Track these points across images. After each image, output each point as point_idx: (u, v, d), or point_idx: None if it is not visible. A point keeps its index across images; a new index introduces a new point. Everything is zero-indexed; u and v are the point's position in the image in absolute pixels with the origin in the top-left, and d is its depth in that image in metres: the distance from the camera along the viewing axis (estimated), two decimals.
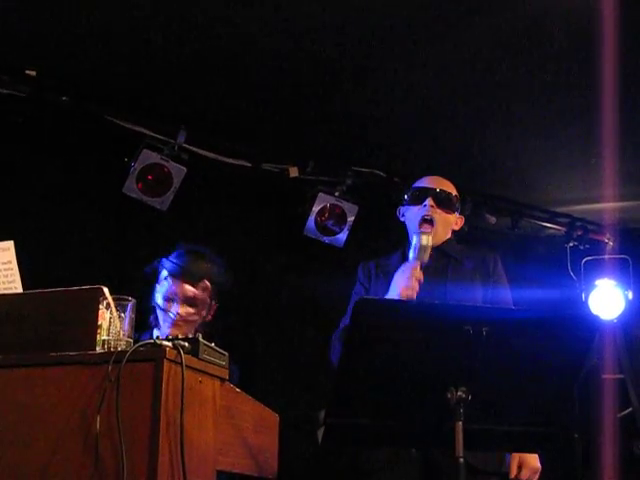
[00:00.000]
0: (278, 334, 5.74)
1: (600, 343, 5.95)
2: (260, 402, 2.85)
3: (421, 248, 3.63)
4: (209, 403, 2.54)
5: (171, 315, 3.79)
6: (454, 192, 3.88)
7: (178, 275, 3.84)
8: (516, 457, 3.68)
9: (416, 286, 3.55)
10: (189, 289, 3.83)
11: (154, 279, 3.91)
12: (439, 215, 3.79)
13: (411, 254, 3.64)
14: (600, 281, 6.42)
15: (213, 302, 3.94)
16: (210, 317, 3.94)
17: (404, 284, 3.55)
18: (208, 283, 3.87)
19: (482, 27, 4.35)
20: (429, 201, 3.77)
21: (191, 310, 3.83)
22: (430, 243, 3.65)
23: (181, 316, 3.80)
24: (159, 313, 3.85)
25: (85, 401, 2.37)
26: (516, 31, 4.36)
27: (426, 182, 3.90)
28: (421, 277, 3.58)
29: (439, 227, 3.79)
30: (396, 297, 3.53)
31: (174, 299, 3.84)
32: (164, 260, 3.88)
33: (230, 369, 2.69)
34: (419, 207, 3.79)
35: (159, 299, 3.86)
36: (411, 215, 3.82)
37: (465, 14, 4.25)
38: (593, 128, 4.96)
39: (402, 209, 3.93)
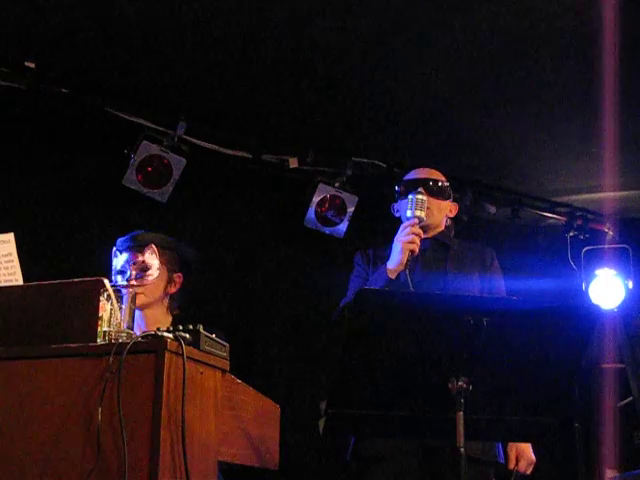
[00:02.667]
0: (278, 324, 5.75)
1: (600, 333, 5.96)
2: (261, 393, 2.86)
3: (417, 202, 3.67)
4: (210, 394, 2.55)
5: (124, 282, 3.78)
6: (443, 180, 3.92)
7: (125, 247, 3.85)
8: (513, 448, 3.70)
9: (417, 240, 3.58)
10: (137, 255, 3.83)
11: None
12: (432, 202, 3.80)
13: (408, 212, 3.67)
14: (600, 270, 6.43)
15: (174, 273, 3.92)
16: (174, 289, 3.92)
17: (405, 239, 3.58)
18: (155, 248, 3.87)
19: (484, 18, 4.34)
20: (421, 190, 3.78)
21: (141, 273, 3.82)
22: (426, 200, 3.69)
23: (134, 279, 3.78)
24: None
25: (86, 393, 2.38)
26: (517, 23, 4.36)
27: (415, 174, 3.94)
28: (421, 232, 3.61)
29: (434, 211, 3.82)
30: (398, 253, 3.57)
31: (125, 269, 3.82)
32: (115, 242, 3.90)
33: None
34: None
35: (115, 277, 3.85)
36: (403, 207, 3.83)
37: (467, 5, 4.24)
38: (593, 118, 4.97)
39: (395, 205, 3.95)
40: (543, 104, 5.19)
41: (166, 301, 3.90)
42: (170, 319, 3.80)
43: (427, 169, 3.95)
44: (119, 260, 3.85)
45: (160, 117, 5.31)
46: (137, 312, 3.84)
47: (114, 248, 3.88)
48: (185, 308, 3.96)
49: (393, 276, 3.57)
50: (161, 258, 3.87)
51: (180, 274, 3.95)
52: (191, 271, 4.00)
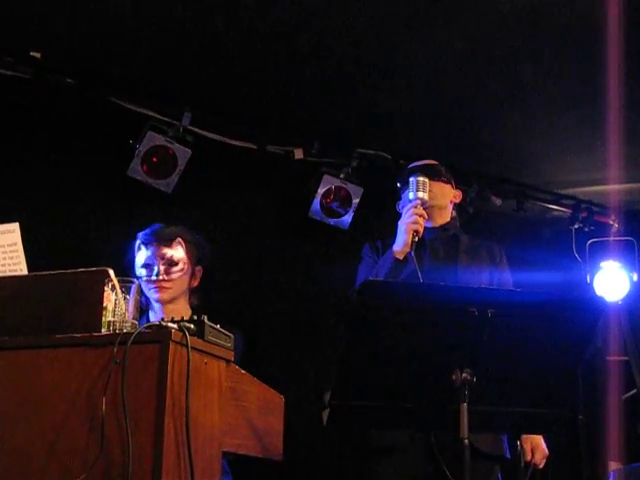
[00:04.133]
0: (283, 316, 5.75)
1: (605, 325, 5.96)
2: (265, 384, 2.86)
3: (418, 183, 3.67)
4: (214, 385, 2.55)
5: (154, 277, 3.79)
6: (439, 164, 3.94)
7: (151, 240, 3.86)
8: (528, 441, 3.69)
9: (421, 221, 3.58)
10: (165, 249, 3.84)
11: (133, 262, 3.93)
12: (434, 185, 3.80)
13: (410, 195, 3.67)
14: (605, 263, 6.42)
15: (195, 266, 3.95)
16: (196, 282, 3.96)
17: (409, 220, 3.58)
18: (182, 241, 3.88)
19: (489, 11, 4.34)
20: (419, 175, 3.79)
21: (170, 268, 3.84)
22: (427, 181, 3.70)
23: (164, 274, 3.80)
24: (144, 287, 3.83)
25: (91, 383, 2.38)
26: (523, 15, 4.35)
27: (412, 164, 3.95)
28: (424, 213, 3.62)
29: (437, 194, 3.83)
30: (403, 234, 3.60)
31: (152, 263, 3.84)
32: (137, 235, 3.90)
33: (235, 337, 2.69)
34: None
35: (138, 271, 3.86)
36: (405, 199, 3.82)
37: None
38: (598, 110, 4.95)
39: (400, 203, 3.94)
40: (548, 97, 5.18)
41: (188, 294, 3.92)
42: (190, 312, 3.80)
43: (423, 161, 3.97)
44: (143, 253, 3.86)
45: (165, 108, 5.30)
46: (158, 305, 3.85)
47: (137, 241, 3.88)
48: (203, 300, 3.97)
49: (400, 257, 3.58)
50: (187, 251, 3.90)
51: (200, 267, 3.98)
52: (208, 264, 4.02)
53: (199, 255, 3.97)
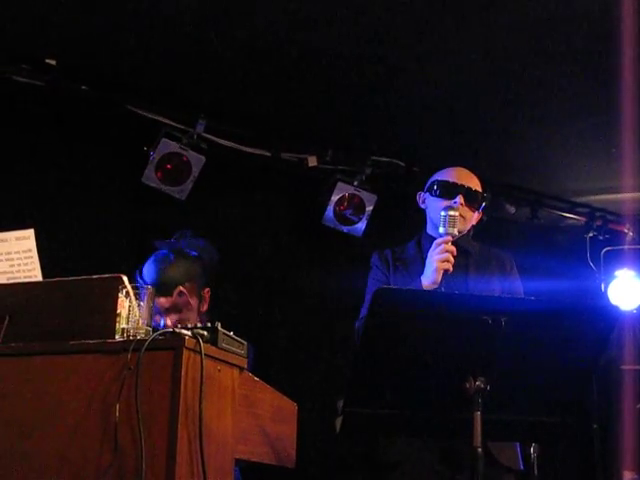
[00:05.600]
0: (296, 323, 5.75)
1: (619, 334, 5.94)
2: (278, 391, 2.86)
3: (449, 219, 3.59)
4: (228, 392, 2.55)
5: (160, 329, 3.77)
6: (481, 189, 3.83)
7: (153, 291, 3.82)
8: None
9: (451, 259, 3.54)
10: (164, 301, 3.77)
11: None
12: (466, 212, 3.74)
13: (441, 229, 3.59)
14: (620, 271, 6.40)
15: (200, 295, 3.87)
16: (205, 306, 3.89)
17: (439, 257, 3.54)
18: (182, 288, 3.80)
19: (503, 19, 4.33)
20: (460, 199, 3.70)
21: (176, 317, 3.78)
22: (458, 216, 3.61)
23: (171, 326, 3.75)
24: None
25: (104, 389, 2.38)
26: (536, 22, 4.35)
27: (456, 177, 3.81)
28: (454, 250, 3.56)
29: (466, 221, 3.73)
30: (433, 272, 3.53)
31: (156, 313, 3.77)
32: (137, 278, 3.80)
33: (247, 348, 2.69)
34: (447, 201, 3.74)
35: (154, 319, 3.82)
36: (436, 206, 3.76)
37: (487, 2, 4.23)
38: (613, 118, 4.95)
39: (424, 196, 3.88)
40: (563, 105, 5.17)
41: (198, 319, 3.86)
42: None
43: (468, 173, 3.84)
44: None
45: (180, 115, 5.32)
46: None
47: (141, 279, 3.79)
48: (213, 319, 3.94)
49: None
50: (190, 291, 3.83)
51: (208, 289, 3.92)
52: (215, 281, 3.98)
53: (205, 280, 3.90)
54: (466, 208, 3.73)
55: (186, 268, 3.86)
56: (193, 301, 3.83)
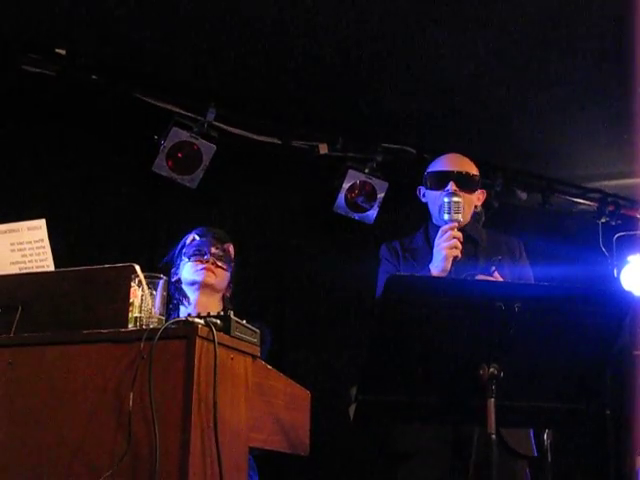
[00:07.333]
0: (309, 311, 5.75)
1: (632, 319, 5.92)
2: (291, 379, 2.86)
3: (453, 205, 3.59)
4: (241, 380, 2.55)
5: (203, 261, 3.81)
6: (474, 171, 3.79)
7: (207, 234, 3.90)
8: None
9: (459, 245, 3.53)
10: (218, 246, 3.87)
11: (172, 265, 3.93)
12: (463, 196, 3.72)
13: (445, 216, 3.58)
14: (632, 257, 6.38)
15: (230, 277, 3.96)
16: (229, 292, 3.96)
17: (447, 244, 3.53)
18: (233, 248, 3.91)
19: (517, 6, 4.31)
20: (451, 186, 3.67)
21: (224, 260, 3.86)
22: (461, 201, 3.61)
23: (216, 260, 3.82)
24: (189, 269, 3.85)
25: (118, 378, 2.39)
26: (549, 9, 4.33)
27: (445, 164, 3.81)
28: (460, 236, 3.55)
29: (465, 206, 3.73)
30: (442, 260, 3.51)
31: (205, 252, 3.84)
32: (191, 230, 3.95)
33: (263, 332, 2.70)
34: (441, 192, 3.72)
35: (188, 256, 3.86)
36: (433, 198, 3.75)
37: None
38: (625, 103, 4.92)
39: (422, 189, 3.88)
40: (574, 90, 5.15)
41: (221, 300, 3.90)
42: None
43: (457, 157, 3.83)
44: (198, 241, 3.87)
45: (190, 103, 5.31)
46: (194, 295, 3.85)
47: (190, 235, 3.89)
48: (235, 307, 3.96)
49: None
50: (233, 258, 3.93)
51: (231, 284, 4.00)
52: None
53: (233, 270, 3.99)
54: (462, 193, 3.69)
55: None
56: (231, 270, 3.88)
